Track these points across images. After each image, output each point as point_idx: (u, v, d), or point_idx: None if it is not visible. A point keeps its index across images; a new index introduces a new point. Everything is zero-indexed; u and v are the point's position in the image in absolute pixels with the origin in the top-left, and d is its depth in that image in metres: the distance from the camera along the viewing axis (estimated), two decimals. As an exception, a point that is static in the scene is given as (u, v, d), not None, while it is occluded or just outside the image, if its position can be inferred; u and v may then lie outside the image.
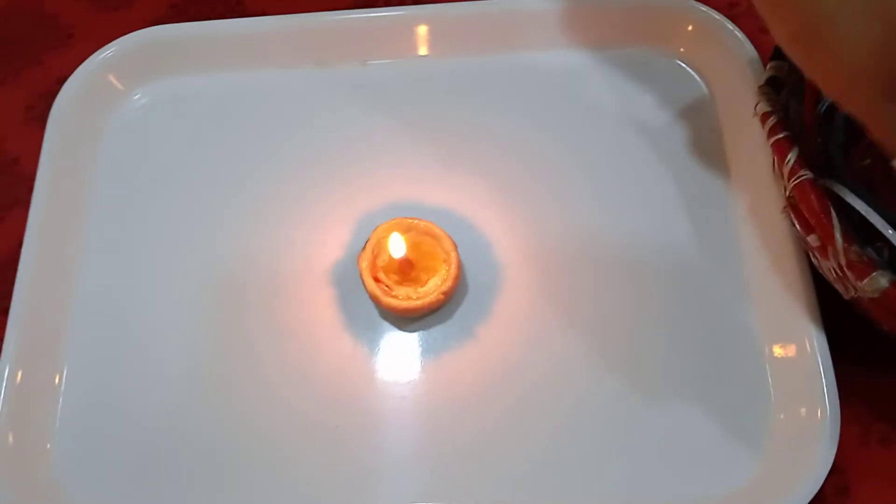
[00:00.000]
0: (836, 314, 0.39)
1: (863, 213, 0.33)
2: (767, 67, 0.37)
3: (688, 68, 0.47)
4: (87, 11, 0.53)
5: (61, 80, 0.49)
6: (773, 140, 0.35)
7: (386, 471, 0.39)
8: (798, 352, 0.38)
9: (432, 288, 0.42)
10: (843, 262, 0.32)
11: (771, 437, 0.38)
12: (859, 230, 0.33)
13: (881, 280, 0.31)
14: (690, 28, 0.46)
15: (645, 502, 0.37)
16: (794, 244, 0.39)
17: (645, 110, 0.46)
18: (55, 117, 0.47)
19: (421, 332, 0.42)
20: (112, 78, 0.49)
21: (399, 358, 0.41)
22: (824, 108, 0.37)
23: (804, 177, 0.33)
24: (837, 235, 0.32)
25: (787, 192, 0.34)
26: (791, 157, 0.34)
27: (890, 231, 0.33)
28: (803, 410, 0.37)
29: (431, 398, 0.40)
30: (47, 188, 0.45)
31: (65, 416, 0.41)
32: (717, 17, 0.45)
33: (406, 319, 0.42)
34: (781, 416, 0.38)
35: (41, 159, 0.46)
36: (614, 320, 0.41)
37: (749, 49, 0.44)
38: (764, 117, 0.35)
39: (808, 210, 0.33)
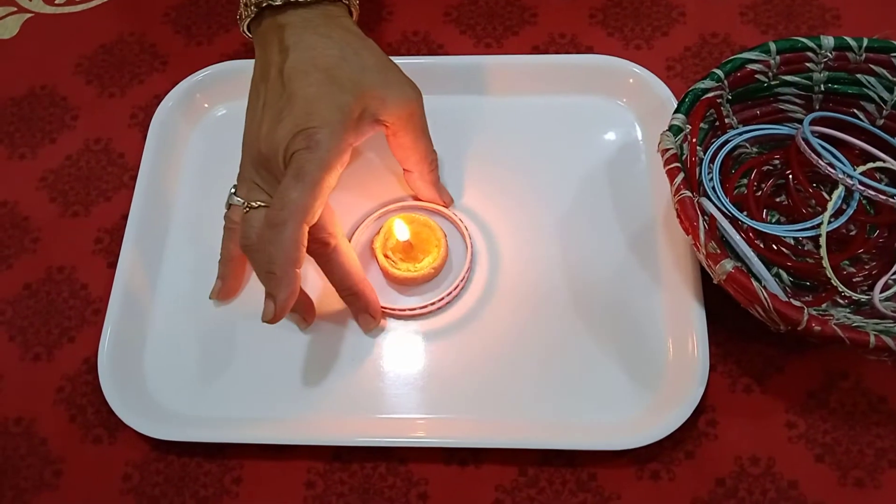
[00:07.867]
0: (716, 298, 0.50)
1: (716, 217, 0.46)
2: (671, 118, 0.49)
3: (628, 112, 0.59)
4: (179, 45, 0.65)
5: (158, 97, 0.60)
6: (667, 168, 0.47)
7: (386, 380, 0.51)
8: (685, 322, 0.50)
9: (426, 264, 0.53)
10: (704, 253, 0.45)
11: (662, 380, 0.50)
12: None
13: (727, 265, 0.44)
14: (631, 81, 0.58)
15: (574, 420, 0.50)
16: (689, 248, 0.52)
17: (595, 138, 0.58)
18: (155, 124, 0.58)
19: (415, 296, 0.53)
20: (198, 96, 0.60)
21: (399, 311, 0.53)
22: (703, 153, 0.50)
23: (684, 195, 0.46)
24: (701, 234, 0.44)
25: (675, 205, 0.47)
26: (678, 180, 0.46)
27: (729, 229, 0.46)
28: (686, 362, 0.49)
29: (418, 335, 0.53)
30: (147, 176, 0.57)
31: (152, 334, 0.53)
32: (648, 75, 0.57)
33: (406, 286, 0.54)
34: (670, 364, 0.50)
35: (144, 155, 0.58)
36: (552, 294, 0.53)
37: (669, 100, 0.56)
38: (663, 152, 0.47)
39: (685, 217, 0.45)
